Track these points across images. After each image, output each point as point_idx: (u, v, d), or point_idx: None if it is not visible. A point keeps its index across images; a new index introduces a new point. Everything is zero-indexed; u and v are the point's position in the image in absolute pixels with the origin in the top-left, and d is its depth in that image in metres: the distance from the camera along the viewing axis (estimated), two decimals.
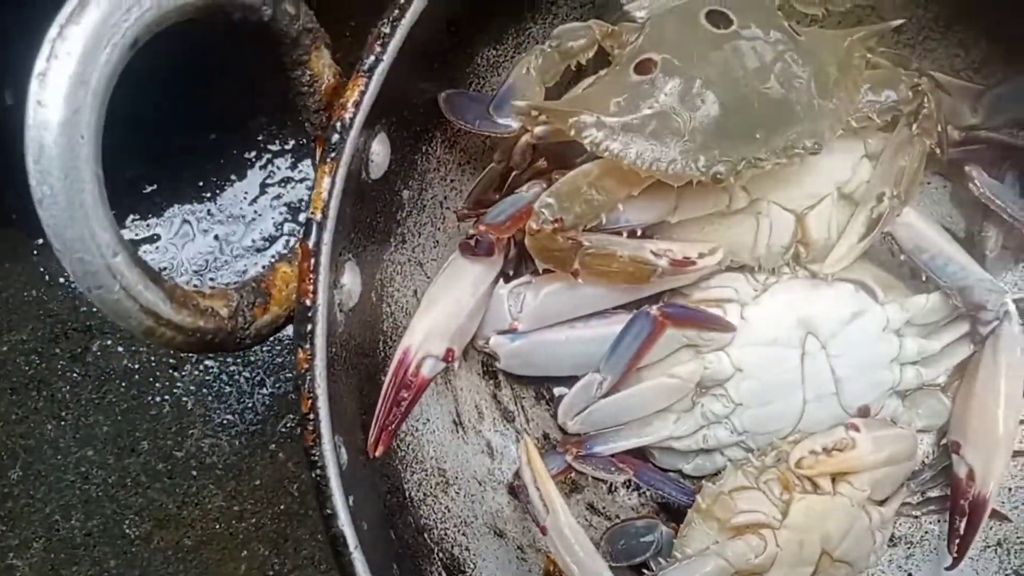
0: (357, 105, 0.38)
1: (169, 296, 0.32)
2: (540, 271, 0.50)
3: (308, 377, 0.35)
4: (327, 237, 0.38)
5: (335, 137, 0.38)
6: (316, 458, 0.35)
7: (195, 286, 0.59)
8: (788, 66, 0.48)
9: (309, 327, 0.36)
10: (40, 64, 0.28)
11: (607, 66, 0.51)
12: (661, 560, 0.51)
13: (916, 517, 0.59)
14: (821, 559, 0.50)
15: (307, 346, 0.36)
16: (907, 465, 0.55)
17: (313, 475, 0.35)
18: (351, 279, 0.42)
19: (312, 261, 0.37)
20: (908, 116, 0.52)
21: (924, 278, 0.55)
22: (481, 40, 0.50)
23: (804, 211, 0.53)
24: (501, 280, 0.52)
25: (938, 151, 0.53)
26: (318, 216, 0.37)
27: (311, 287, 0.37)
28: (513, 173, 0.51)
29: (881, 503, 0.54)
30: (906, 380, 0.56)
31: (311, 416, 0.35)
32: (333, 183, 0.38)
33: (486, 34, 0.50)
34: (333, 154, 0.38)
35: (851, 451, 0.52)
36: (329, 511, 0.34)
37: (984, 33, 0.56)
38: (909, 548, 0.59)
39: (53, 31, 0.28)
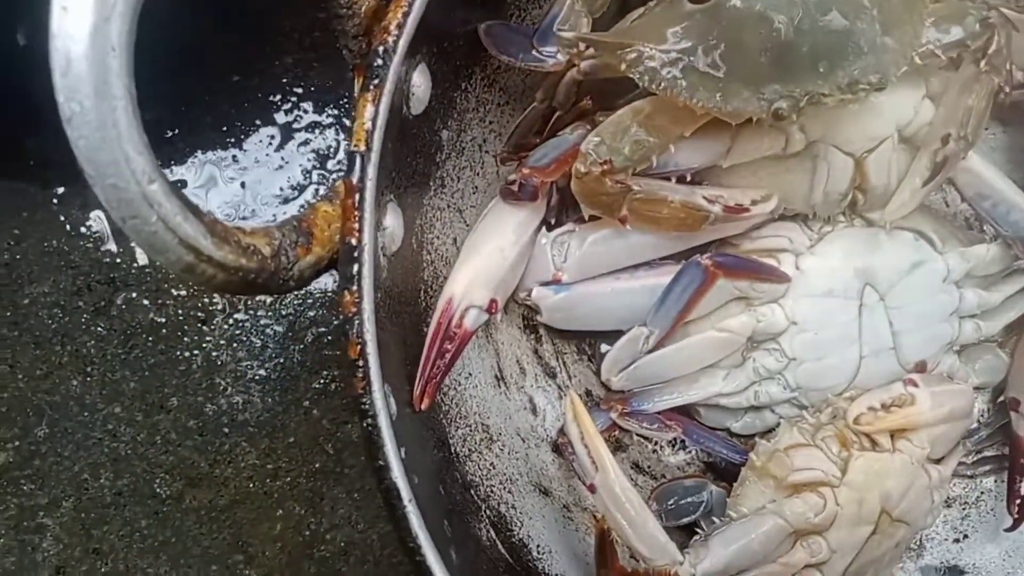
0: (400, 27, 0.35)
1: (210, 230, 0.29)
2: (586, 218, 0.48)
3: (356, 321, 0.33)
4: (372, 171, 0.35)
5: (378, 62, 0.35)
6: (367, 407, 0.33)
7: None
8: None
9: (356, 268, 0.34)
10: None
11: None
12: (715, 519, 0.49)
13: (972, 477, 0.57)
14: (880, 518, 0.48)
15: (354, 288, 0.33)
16: (965, 423, 0.53)
17: (364, 424, 0.32)
18: (394, 221, 0.39)
19: (357, 197, 0.34)
20: (975, 52, 0.49)
21: (983, 228, 0.53)
22: None
23: (863, 154, 0.50)
24: (544, 228, 0.49)
25: (1006, 90, 0.50)
26: (362, 148, 0.35)
27: (356, 226, 0.34)
28: (556, 114, 0.48)
29: (938, 461, 0.52)
30: (965, 334, 0.54)
31: (360, 363, 0.33)
32: (377, 112, 0.35)
33: None
34: (376, 81, 0.35)
35: (910, 407, 0.50)
36: (382, 462, 0.32)
37: None
38: (964, 509, 0.57)
39: None
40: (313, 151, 0.57)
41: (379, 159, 0.35)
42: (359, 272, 0.34)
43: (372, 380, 0.33)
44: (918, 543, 0.56)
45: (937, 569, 0.56)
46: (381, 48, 0.35)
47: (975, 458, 0.57)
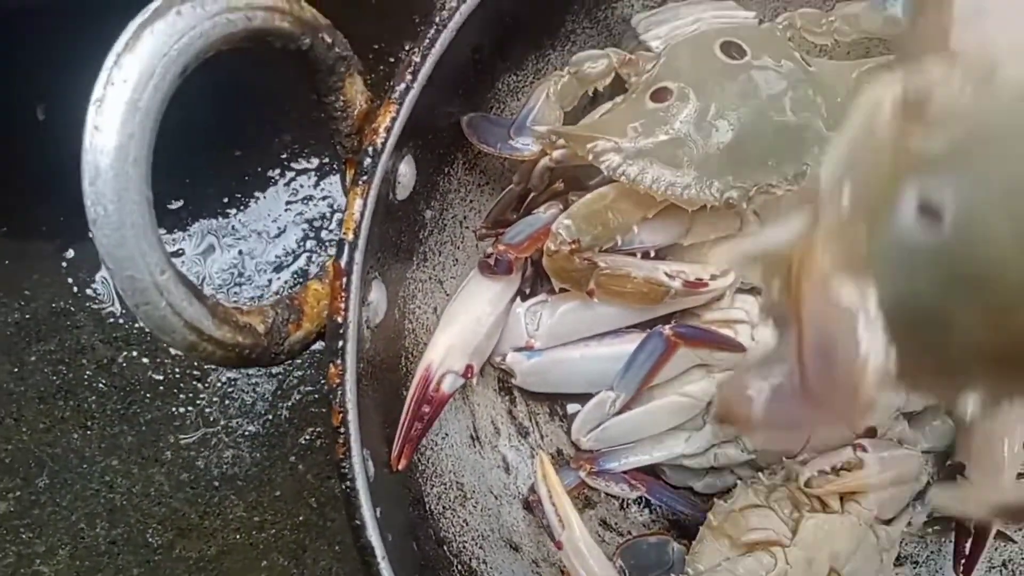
0: (388, 130, 0.40)
1: (211, 313, 0.33)
2: (556, 290, 0.52)
3: (340, 391, 0.37)
4: (359, 257, 0.39)
5: (367, 161, 0.39)
6: (346, 471, 0.36)
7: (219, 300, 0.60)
8: (800, 96, 0.49)
9: (341, 343, 0.37)
10: (98, 91, 0.30)
11: (623, 93, 0.52)
12: (673, 575, 0.52)
13: (921, 537, 0.60)
14: None
15: (339, 362, 0.37)
16: (912, 485, 0.56)
17: (343, 487, 0.36)
18: (378, 296, 0.43)
19: (344, 280, 0.38)
20: None
21: None
22: (502, 67, 0.51)
23: None
24: (518, 298, 0.53)
25: None
26: (350, 237, 0.39)
27: (343, 305, 0.38)
28: (531, 195, 0.53)
29: (888, 522, 0.55)
30: (912, 402, 0.57)
31: (342, 430, 0.36)
32: (365, 205, 0.39)
33: (507, 61, 0.52)
34: (365, 177, 0.39)
35: (859, 471, 0.53)
36: (358, 522, 0.35)
37: None
38: (915, 568, 0.60)
39: (110, 60, 0.30)
40: (307, 221, 0.62)
41: (365, 245, 0.39)
42: (343, 347, 0.37)
43: (352, 446, 0.36)
44: None
45: None
46: (371, 148, 0.39)
47: (925, 519, 0.60)
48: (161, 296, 0.31)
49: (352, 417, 0.37)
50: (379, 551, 0.35)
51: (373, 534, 0.35)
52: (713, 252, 0.54)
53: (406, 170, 0.44)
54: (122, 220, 0.30)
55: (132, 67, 0.30)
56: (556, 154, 0.50)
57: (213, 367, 0.59)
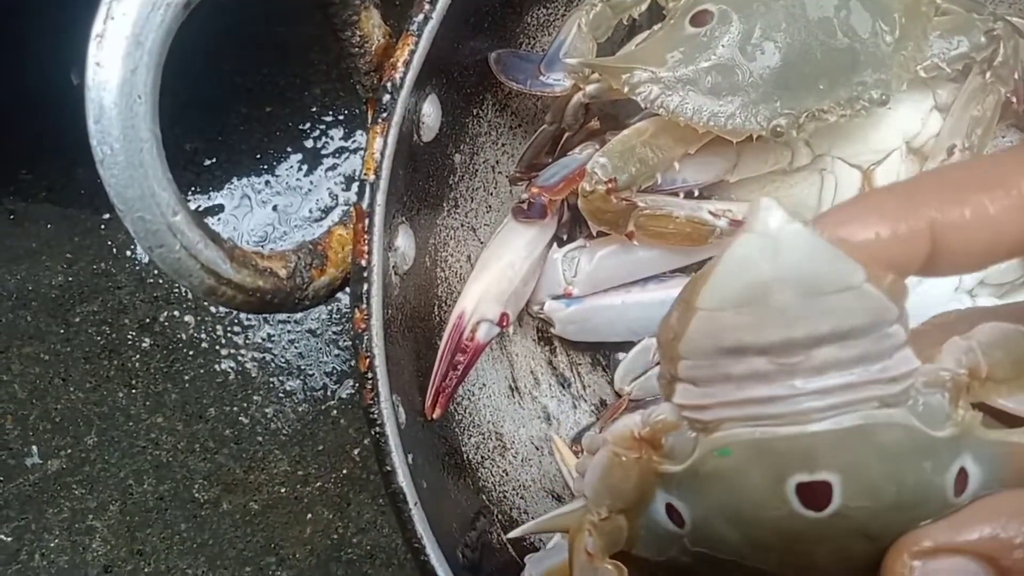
0: (407, 64, 0.38)
1: (229, 255, 0.32)
2: (594, 234, 0.50)
3: (366, 336, 0.36)
4: (380, 198, 0.38)
5: (386, 97, 0.38)
6: (375, 416, 0.35)
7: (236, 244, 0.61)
8: (852, 14, 0.46)
9: (365, 287, 0.36)
10: (97, 26, 0.29)
11: (662, 21, 0.49)
12: None
13: None
14: None
15: (363, 306, 0.36)
16: None
17: (372, 432, 0.35)
18: (405, 242, 0.42)
19: (366, 222, 0.37)
20: (981, 63, 0.49)
21: None
22: None
23: (871, 167, 0.51)
24: (555, 244, 0.51)
25: (1014, 101, 0.50)
26: (371, 177, 0.37)
27: (366, 248, 0.37)
28: (566, 135, 0.51)
29: None
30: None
31: (369, 375, 0.35)
32: (385, 144, 0.38)
33: None
34: (384, 114, 0.38)
35: None
36: (388, 468, 0.35)
37: None
38: None
39: None
40: (340, 175, 0.61)
41: (388, 186, 0.38)
42: (368, 291, 0.36)
43: (380, 391, 0.35)
44: None
45: None
46: (389, 84, 0.38)
47: None
48: (175, 238, 0.30)
49: (380, 362, 0.36)
50: (411, 497, 0.34)
51: (404, 480, 0.34)
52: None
53: (430, 110, 0.42)
54: (129, 159, 0.29)
55: (131, 1, 0.29)
56: (590, 88, 0.47)
57: (252, 324, 0.59)
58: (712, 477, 0.26)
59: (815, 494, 0.25)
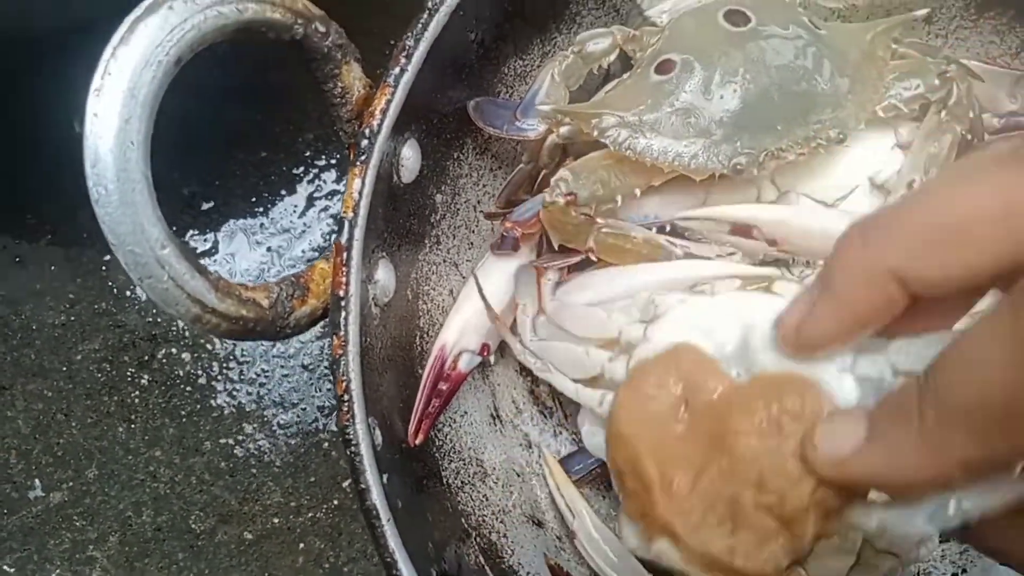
0: (384, 112, 0.41)
1: (214, 286, 0.35)
2: (555, 247, 0.51)
3: (342, 362, 0.38)
4: (358, 234, 0.40)
5: (364, 142, 0.41)
6: (350, 436, 0.37)
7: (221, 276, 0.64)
8: (808, 59, 0.49)
9: (343, 315, 0.39)
10: (96, 81, 0.32)
11: (631, 70, 0.52)
12: None
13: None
14: (863, 548, 0.50)
15: (341, 333, 0.38)
16: None
17: (347, 452, 0.37)
18: (385, 275, 0.45)
19: (345, 255, 0.40)
20: (937, 104, 0.52)
21: None
22: (507, 51, 0.52)
23: (835, 202, 0.53)
24: None
25: (970, 137, 0.53)
26: (349, 215, 0.40)
27: (344, 279, 0.39)
28: (542, 173, 0.53)
29: None
30: None
31: (345, 397, 0.37)
32: (363, 184, 0.40)
33: (512, 45, 0.52)
34: (363, 158, 0.41)
35: None
36: (363, 486, 0.36)
37: (1018, 18, 0.56)
38: (964, 543, 0.57)
39: (107, 52, 0.32)
40: (332, 216, 0.64)
41: (366, 223, 0.41)
42: (345, 319, 0.39)
43: (356, 413, 0.38)
44: None
45: None
46: (367, 130, 0.41)
47: None
48: (163, 269, 0.33)
49: (356, 386, 0.38)
50: (383, 514, 0.36)
51: (378, 498, 0.36)
52: None
53: (410, 153, 0.45)
54: (122, 199, 0.32)
55: (128, 59, 0.32)
56: (563, 131, 0.50)
57: (247, 359, 0.61)
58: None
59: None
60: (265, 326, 0.37)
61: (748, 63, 0.48)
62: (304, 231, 0.63)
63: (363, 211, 0.40)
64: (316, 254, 0.63)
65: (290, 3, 0.38)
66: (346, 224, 0.40)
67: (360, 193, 0.40)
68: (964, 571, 0.57)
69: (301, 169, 0.63)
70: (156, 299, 0.33)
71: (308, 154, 0.63)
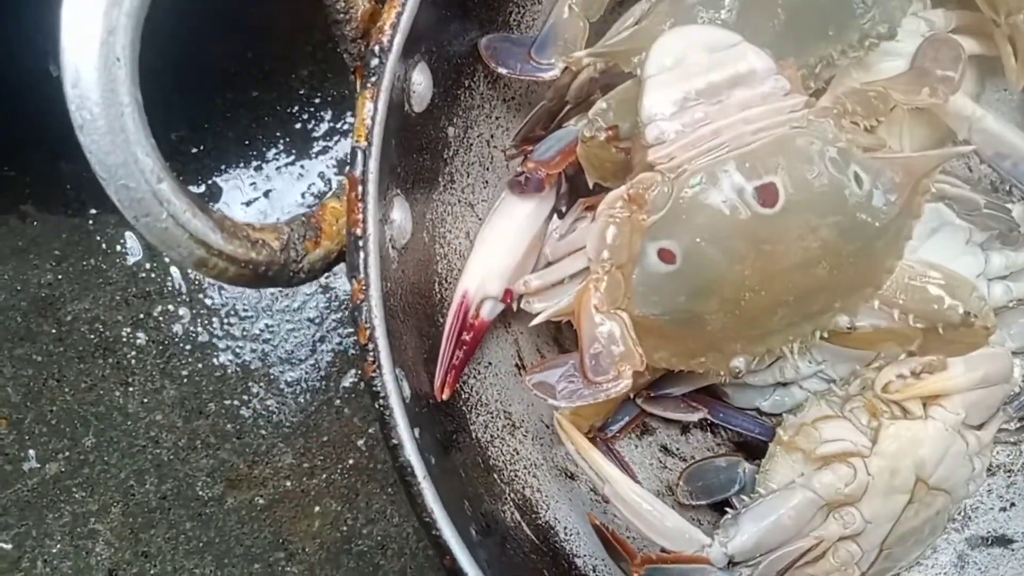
0: (394, 27, 0.37)
1: (219, 225, 0.31)
2: (590, 186, 0.48)
3: (364, 308, 0.34)
4: (373, 165, 0.36)
5: (374, 61, 0.37)
6: (378, 388, 0.34)
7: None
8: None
9: (362, 256, 0.35)
10: None
11: None
12: (744, 497, 0.48)
13: (1016, 443, 0.56)
14: (916, 487, 0.47)
15: (360, 276, 0.35)
16: (1003, 387, 0.52)
17: (376, 405, 0.34)
18: (401, 215, 0.41)
19: (360, 190, 0.36)
20: None
21: (1009, 191, 0.52)
22: None
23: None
24: (555, 217, 0.50)
25: None
26: (363, 143, 0.36)
27: (360, 217, 0.36)
28: (566, 108, 0.49)
29: (978, 428, 0.51)
30: (995, 297, 0.52)
31: (370, 346, 0.34)
32: (376, 109, 0.36)
33: None
34: (374, 79, 0.36)
35: (941, 372, 0.49)
36: (395, 441, 0.33)
37: None
38: (1010, 476, 0.56)
39: None
40: (332, 157, 0.59)
41: (380, 153, 0.37)
42: (365, 261, 0.35)
43: (382, 363, 0.34)
44: (963, 513, 0.55)
45: (984, 539, 0.55)
46: (377, 47, 0.36)
47: (1018, 424, 0.55)
48: (161, 206, 0.29)
49: (380, 333, 0.34)
50: (419, 470, 0.33)
51: (412, 454, 0.33)
52: None
53: (420, 79, 0.41)
54: (110, 124, 0.28)
55: None
56: (601, 65, 0.46)
57: (249, 315, 0.57)
58: (691, 206, 0.38)
59: (767, 192, 0.38)
60: (278, 271, 0.33)
61: None
62: (302, 174, 0.59)
63: (377, 140, 0.37)
64: (316, 198, 0.59)
65: None
66: (359, 154, 0.36)
67: (373, 119, 0.36)
68: (1012, 505, 0.55)
69: (296, 108, 0.59)
70: (154, 240, 0.29)
71: (303, 92, 0.59)
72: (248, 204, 0.59)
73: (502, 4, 0.48)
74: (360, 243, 0.35)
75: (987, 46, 0.50)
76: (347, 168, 0.36)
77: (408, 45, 0.38)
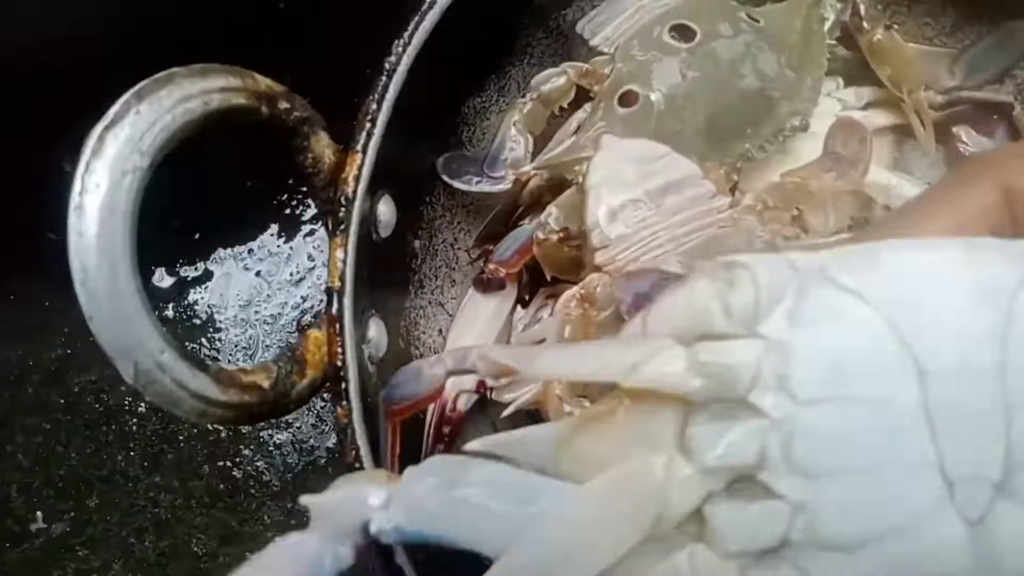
0: (356, 179, 0.41)
1: (215, 379, 0.36)
2: (548, 279, 0.53)
3: (349, 431, 0.39)
4: (348, 302, 0.41)
5: (341, 212, 0.41)
6: None
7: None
8: (757, 58, 0.50)
9: (344, 385, 0.40)
10: (75, 199, 0.32)
11: (588, 101, 0.53)
12: None
13: None
14: None
15: (344, 403, 0.40)
16: None
17: None
18: (377, 332, 0.46)
19: (337, 326, 0.41)
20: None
21: None
22: (464, 91, 0.53)
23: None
24: (519, 307, 0.55)
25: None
26: (336, 284, 0.41)
27: (339, 350, 0.40)
28: (519, 209, 0.54)
29: None
30: None
31: (357, 465, 0.39)
32: (347, 253, 0.41)
33: (469, 85, 0.53)
34: (342, 226, 0.41)
35: None
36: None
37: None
38: None
39: (81, 167, 0.32)
40: (317, 239, 0.65)
41: (354, 289, 0.41)
42: (346, 389, 0.40)
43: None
44: None
45: None
46: (343, 198, 0.41)
47: None
48: (165, 374, 0.34)
49: (364, 452, 0.39)
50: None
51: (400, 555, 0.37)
52: None
53: (385, 209, 0.46)
54: (115, 315, 0.32)
55: (103, 172, 0.32)
56: (545, 175, 0.51)
57: None
58: None
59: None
60: (268, 408, 0.38)
61: (705, 76, 0.50)
62: (290, 255, 0.64)
63: (349, 279, 0.41)
64: (303, 275, 0.64)
65: (252, 86, 0.38)
66: (335, 296, 0.41)
67: (344, 263, 0.41)
68: None
69: (284, 196, 0.64)
70: (161, 402, 0.34)
71: (291, 181, 0.64)
72: (242, 281, 0.64)
73: (454, 126, 0.53)
74: (341, 373, 0.40)
75: (899, 115, 0.55)
76: (324, 307, 0.41)
77: (371, 186, 0.43)
